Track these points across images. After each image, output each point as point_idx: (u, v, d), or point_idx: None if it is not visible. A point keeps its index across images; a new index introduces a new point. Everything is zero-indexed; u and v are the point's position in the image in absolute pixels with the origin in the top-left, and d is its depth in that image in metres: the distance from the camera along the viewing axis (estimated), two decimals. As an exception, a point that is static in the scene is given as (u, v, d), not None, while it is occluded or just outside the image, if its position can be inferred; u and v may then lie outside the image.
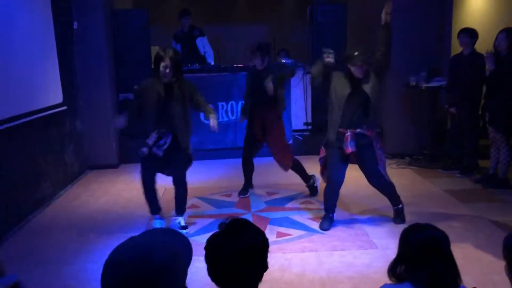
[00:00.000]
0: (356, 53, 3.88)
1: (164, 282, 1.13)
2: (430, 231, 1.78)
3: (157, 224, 4.22)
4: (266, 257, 1.53)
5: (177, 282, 1.19)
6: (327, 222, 4.19)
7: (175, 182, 4.25)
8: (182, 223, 4.24)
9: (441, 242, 1.74)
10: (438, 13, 6.54)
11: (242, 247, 1.45)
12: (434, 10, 6.51)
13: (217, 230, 1.54)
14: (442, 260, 1.71)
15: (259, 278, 1.51)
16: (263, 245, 1.52)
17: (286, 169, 4.96)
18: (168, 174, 4.29)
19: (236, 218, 1.58)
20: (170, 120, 4.00)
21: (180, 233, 1.33)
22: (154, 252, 1.16)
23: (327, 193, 4.22)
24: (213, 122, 4.15)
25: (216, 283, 1.48)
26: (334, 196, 4.20)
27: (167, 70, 3.90)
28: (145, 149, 4.02)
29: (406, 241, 1.80)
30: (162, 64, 3.89)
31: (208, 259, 1.48)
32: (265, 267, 1.53)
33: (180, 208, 4.29)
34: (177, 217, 4.27)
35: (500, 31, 4.97)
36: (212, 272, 1.47)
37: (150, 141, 3.99)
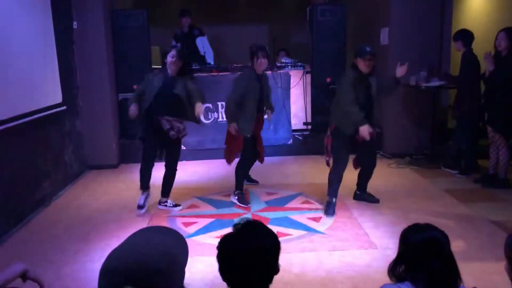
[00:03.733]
0: (367, 48, 4.38)
1: (163, 285, 1.12)
2: (430, 231, 1.78)
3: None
4: (278, 260, 1.54)
5: (175, 283, 1.18)
6: (333, 208, 4.52)
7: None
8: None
9: (441, 242, 1.74)
10: (438, 13, 6.55)
11: (255, 248, 1.46)
12: (434, 10, 6.51)
13: (231, 230, 1.54)
14: (442, 260, 1.71)
15: (269, 280, 1.51)
16: (275, 248, 1.53)
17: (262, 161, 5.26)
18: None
19: (251, 219, 1.60)
20: None
21: (175, 231, 1.31)
22: (150, 255, 1.15)
23: (338, 179, 4.56)
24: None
25: (227, 282, 1.49)
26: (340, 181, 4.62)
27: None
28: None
29: (406, 241, 1.80)
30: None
31: (220, 258, 1.49)
32: (276, 269, 1.53)
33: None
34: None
35: (500, 31, 4.97)
36: (224, 271, 1.48)
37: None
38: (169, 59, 4.45)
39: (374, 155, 4.83)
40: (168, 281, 1.13)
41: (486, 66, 5.04)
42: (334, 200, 4.54)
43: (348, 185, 5.33)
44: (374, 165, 4.79)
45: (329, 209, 4.50)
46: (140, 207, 4.61)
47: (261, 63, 4.74)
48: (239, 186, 4.92)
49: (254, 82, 4.74)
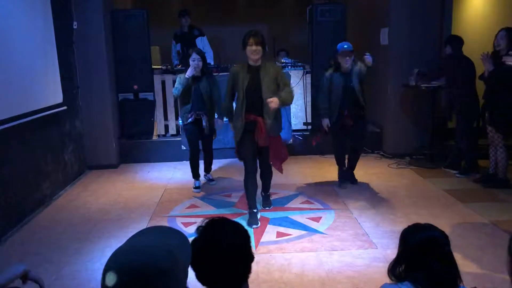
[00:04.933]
0: (345, 45, 4.97)
1: (165, 285, 1.12)
2: (431, 231, 1.78)
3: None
4: (250, 248, 1.52)
5: (179, 284, 1.18)
6: (340, 176, 5.34)
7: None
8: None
9: (441, 242, 1.74)
10: (438, 13, 6.55)
11: (225, 247, 1.44)
12: (434, 11, 6.52)
13: (196, 235, 1.51)
14: (442, 261, 1.71)
15: (248, 270, 1.50)
16: (244, 239, 1.51)
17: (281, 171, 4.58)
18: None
19: (212, 218, 1.56)
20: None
21: (178, 231, 1.31)
22: (153, 256, 1.14)
23: (335, 156, 5.35)
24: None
25: (208, 286, 1.47)
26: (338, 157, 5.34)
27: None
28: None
29: (406, 240, 1.80)
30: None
31: (194, 265, 1.45)
32: (251, 258, 1.51)
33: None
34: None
35: (500, 30, 4.97)
36: (201, 276, 1.46)
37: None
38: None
39: (356, 146, 5.27)
40: (171, 281, 1.13)
41: (484, 67, 5.03)
42: (340, 168, 5.33)
43: (348, 185, 5.34)
44: (356, 154, 5.33)
45: (343, 181, 5.34)
46: None
47: (250, 51, 4.09)
48: (248, 203, 4.37)
49: (243, 74, 4.16)
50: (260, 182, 4.62)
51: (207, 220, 1.54)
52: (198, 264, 1.45)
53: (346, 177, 5.36)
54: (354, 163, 5.39)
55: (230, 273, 1.45)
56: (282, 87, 4.20)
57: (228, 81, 4.36)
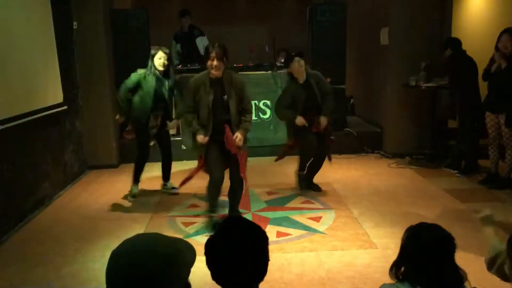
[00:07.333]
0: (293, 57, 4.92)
1: (169, 273, 1.16)
2: (441, 231, 1.76)
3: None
4: (267, 249, 1.51)
5: (181, 275, 1.21)
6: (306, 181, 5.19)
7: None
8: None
9: (452, 244, 1.72)
10: (438, 14, 6.55)
11: (242, 246, 1.43)
12: (434, 11, 6.52)
13: (213, 233, 1.50)
14: (448, 263, 1.69)
15: (265, 270, 1.49)
16: (261, 239, 1.49)
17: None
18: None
19: (229, 216, 1.56)
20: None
21: (183, 240, 1.34)
22: (159, 245, 1.21)
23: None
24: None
25: (222, 286, 1.47)
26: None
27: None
28: None
29: (415, 239, 1.74)
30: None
31: (210, 264, 1.44)
32: (267, 258, 1.51)
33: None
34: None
35: (503, 32, 4.85)
36: (218, 276, 1.45)
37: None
38: None
39: (323, 150, 5.06)
40: (174, 270, 1.18)
41: (497, 62, 4.94)
42: (303, 172, 5.19)
43: (348, 185, 5.34)
44: (322, 161, 5.14)
45: (302, 183, 5.21)
46: None
47: (211, 66, 4.01)
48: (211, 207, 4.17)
49: (204, 88, 4.02)
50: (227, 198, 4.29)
51: (224, 219, 1.54)
52: (214, 265, 1.44)
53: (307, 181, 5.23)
54: (317, 171, 5.20)
55: (247, 274, 1.44)
56: (244, 107, 4.10)
57: (189, 92, 4.05)
